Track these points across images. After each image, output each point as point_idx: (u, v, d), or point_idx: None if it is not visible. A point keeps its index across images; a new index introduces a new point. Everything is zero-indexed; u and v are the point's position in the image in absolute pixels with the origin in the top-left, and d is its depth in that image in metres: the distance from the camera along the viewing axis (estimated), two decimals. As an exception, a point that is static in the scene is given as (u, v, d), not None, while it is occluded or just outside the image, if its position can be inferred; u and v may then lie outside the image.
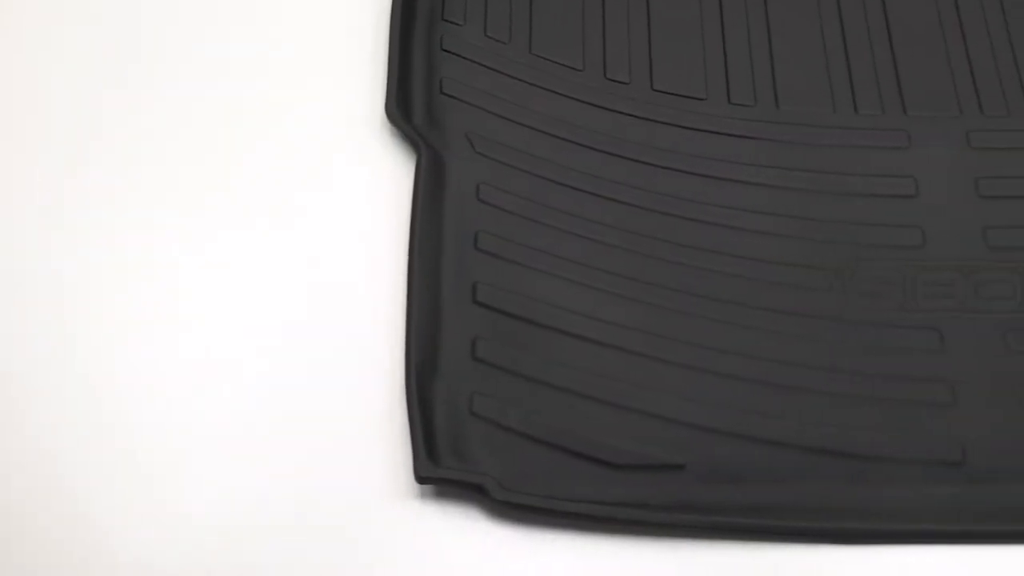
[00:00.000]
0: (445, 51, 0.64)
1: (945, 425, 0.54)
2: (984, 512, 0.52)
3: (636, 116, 0.62)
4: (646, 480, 0.52)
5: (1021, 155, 0.61)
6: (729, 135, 0.62)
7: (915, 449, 0.53)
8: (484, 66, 0.63)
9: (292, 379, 0.55)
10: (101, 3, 0.66)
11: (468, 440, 0.53)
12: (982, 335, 0.56)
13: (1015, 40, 0.65)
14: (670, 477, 0.52)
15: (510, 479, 0.52)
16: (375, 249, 0.58)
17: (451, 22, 0.65)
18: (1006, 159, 0.61)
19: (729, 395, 0.54)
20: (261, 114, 0.63)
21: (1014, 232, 0.59)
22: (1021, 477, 0.52)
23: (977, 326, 0.56)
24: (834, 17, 0.66)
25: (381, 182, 0.60)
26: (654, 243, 0.58)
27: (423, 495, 0.52)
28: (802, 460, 0.53)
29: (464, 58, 0.64)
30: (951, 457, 0.53)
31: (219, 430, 0.53)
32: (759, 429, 0.53)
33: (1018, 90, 0.63)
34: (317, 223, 0.59)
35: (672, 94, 0.63)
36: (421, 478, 0.51)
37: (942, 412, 0.54)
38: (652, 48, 0.64)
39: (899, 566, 0.51)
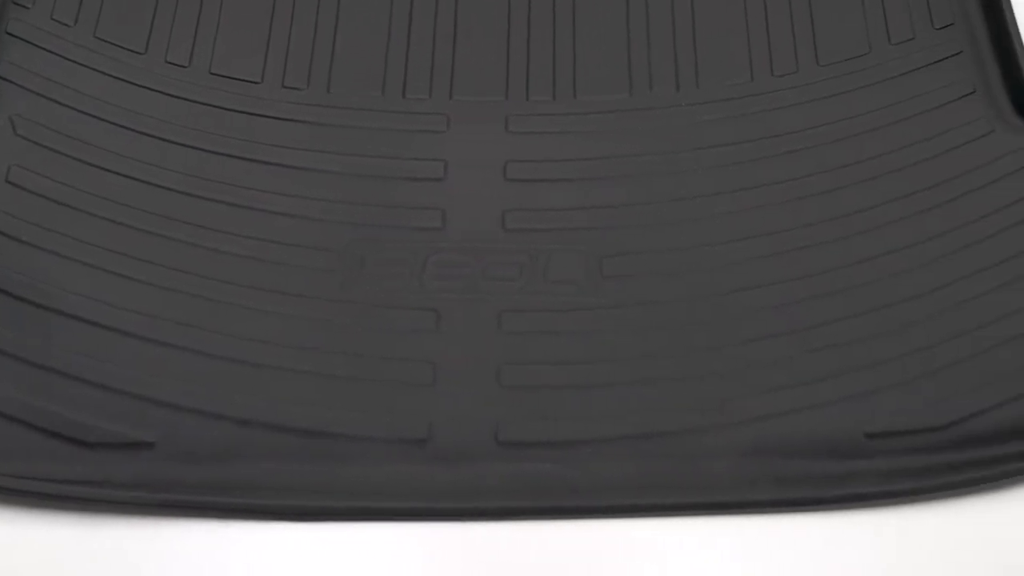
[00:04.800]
0: (9, 35, 0.64)
1: (418, 404, 0.54)
2: (442, 490, 0.53)
3: (188, 99, 0.63)
4: (114, 458, 0.53)
5: (553, 139, 0.62)
6: (276, 118, 0.62)
7: (383, 428, 0.54)
8: (44, 49, 0.64)
9: None
10: None
11: (-57, 419, 0.54)
12: (479, 316, 0.57)
13: (579, 27, 0.65)
14: (139, 455, 0.53)
15: (-21, 458, 0.53)
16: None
17: (20, 5, 0.65)
18: (538, 143, 0.62)
19: (206, 373, 0.55)
20: None
21: (531, 215, 0.60)
22: (480, 455, 0.53)
23: (476, 307, 0.57)
24: (405, 3, 0.66)
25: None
26: (178, 226, 0.59)
27: None
28: (269, 438, 0.54)
29: (26, 41, 0.64)
30: (416, 435, 0.54)
31: None
32: (230, 408, 0.54)
33: (568, 75, 0.64)
34: None
35: (228, 77, 0.64)
36: None
37: (418, 391, 0.55)
38: (218, 32, 0.65)
39: (364, 541, 0.53)
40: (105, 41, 0.64)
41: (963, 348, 0.56)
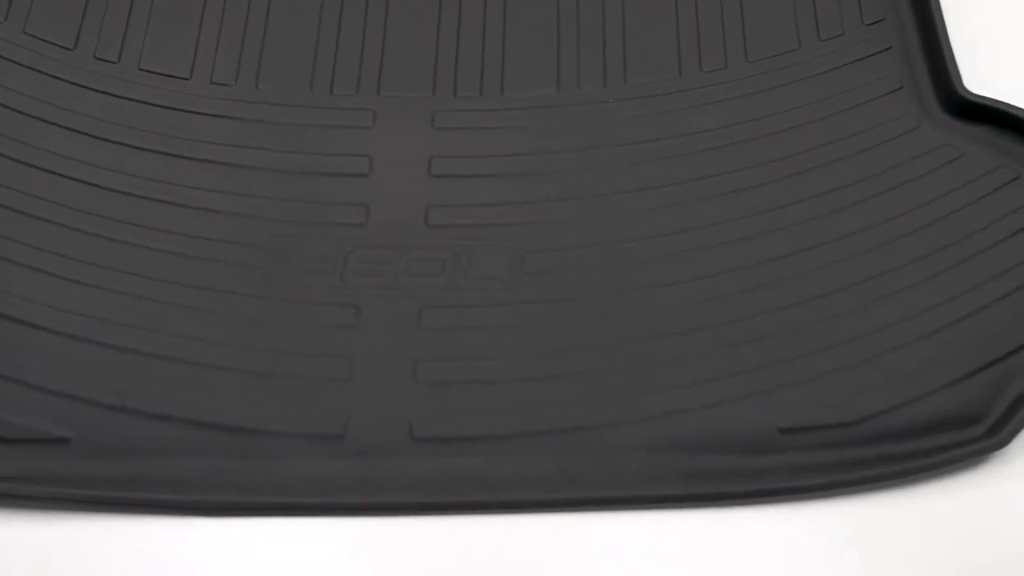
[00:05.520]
0: (-62, 32, 0.65)
1: (334, 400, 0.55)
2: (358, 486, 0.53)
3: (118, 96, 0.63)
4: (31, 453, 0.53)
5: (479, 134, 0.62)
6: (205, 114, 0.63)
7: (299, 423, 0.54)
8: (-26, 46, 0.64)
9: None
10: None
11: None
12: (398, 311, 0.57)
13: (509, 22, 0.66)
14: (55, 450, 0.53)
15: None
16: None
17: (-50, 2, 0.65)
18: (464, 139, 0.62)
19: (129, 370, 0.55)
20: None
21: (454, 211, 0.60)
22: (395, 451, 0.54)
23: (397, 303, 0.57)
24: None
25: None
26: (103, 222, 0.59)
27: None
28: (188, 434, 0.54)
29: (-44, 38, 0.64)
30: (332, 431, 0.54)
31: None
32: (147, 403, 0.54)
33: (497, 71, 0.64)
34: None
35: (157, 73, 0.64)
36: None
37: (335, 387, 0.55)
38: (149, 27, 0.65)
39: (285, 538, 0.53)
40: (34, 37, 0.65)
41: (879, 344, 0.56)
